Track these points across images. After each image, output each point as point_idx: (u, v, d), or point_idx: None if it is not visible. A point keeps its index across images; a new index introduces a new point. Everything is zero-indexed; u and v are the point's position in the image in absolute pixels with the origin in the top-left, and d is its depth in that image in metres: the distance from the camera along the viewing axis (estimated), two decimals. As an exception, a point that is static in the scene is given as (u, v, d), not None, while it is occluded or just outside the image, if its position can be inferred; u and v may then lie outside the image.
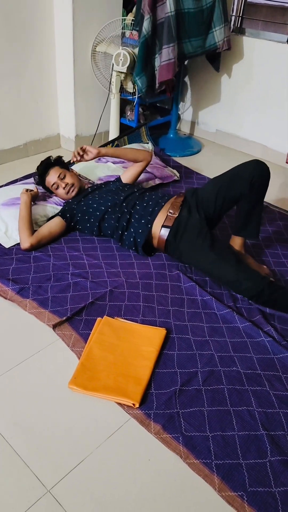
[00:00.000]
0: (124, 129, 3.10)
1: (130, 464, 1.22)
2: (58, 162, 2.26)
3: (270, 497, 1.15)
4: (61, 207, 2.24)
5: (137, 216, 1.96)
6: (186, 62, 3.30)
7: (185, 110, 3.57)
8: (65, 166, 2.27)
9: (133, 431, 1.29)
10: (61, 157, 2.30)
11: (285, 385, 1.46)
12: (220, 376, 1.47)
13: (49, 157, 2.27)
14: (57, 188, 2.17)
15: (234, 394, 1.41)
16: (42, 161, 2.25)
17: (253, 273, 1.75)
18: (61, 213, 2.11)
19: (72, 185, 2.16)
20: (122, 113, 3.22)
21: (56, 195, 2.26)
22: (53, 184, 2.16)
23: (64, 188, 2.15)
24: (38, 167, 2.24)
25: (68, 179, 2.16)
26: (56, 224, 2.07)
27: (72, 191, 2.16)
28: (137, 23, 2.60)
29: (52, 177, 2.16)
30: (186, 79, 3.44)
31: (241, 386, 1.44)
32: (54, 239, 2.07)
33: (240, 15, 3.06)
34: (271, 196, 2.72)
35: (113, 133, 3.10)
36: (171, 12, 2.42)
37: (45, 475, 1.18)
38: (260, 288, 1.70)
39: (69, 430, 1.29)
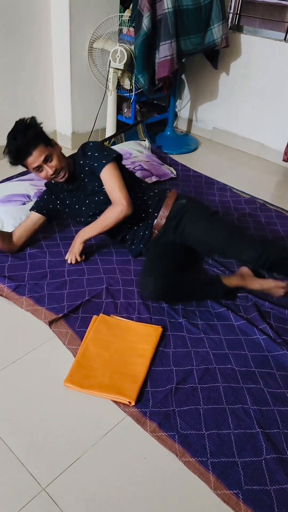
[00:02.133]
0: (121, 126, 3.09)
1: (126, 462, 1.22)
2: (38, 132, 1.69)
3: (265, 495, 1.15)
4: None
5: (134, 230, 1.88)
6: (183, 60, 3.29)
7: (182, 107, 3.56)
8: (48, 140, 1.74)
9: (128, 429, 1.29)
10: (35, 119, 1.75)
11: (280, 382, 1.46)
12: (215, 374, 1.47)
13: (23, 121, 1.70)
14: (39, 170, 1.74)
15: (230, 392, 1.41)
16: (15, 131, 1.67)
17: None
18: (38, 210, 1.93)
19: (61, 169, 1.75)
20: (119, 110, 3.20)
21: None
22: (36, 166, 1.72)
23: (52, 174, 1.75)
24: (10, 139, 1.68)
25: (55, 162, 1.72)
26: (36, 223, 1.94)
27: (62, 177, 1.78)
28: (133, 20, 2.59)
29: (35, 159, 1.69)
30: (183, 76, 3.43)
31: (236, 384, 1.44)
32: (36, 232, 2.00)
33: (238, 12, 3.05)
34: (268, 194, 2.72)
35: (110, 130, 3.08)
36: (168, 8, 2.41)
37: (40, 473, 1.17)
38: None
39: (64, 428, 1.29)
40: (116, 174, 1.75)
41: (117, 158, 1.80)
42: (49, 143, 1.74)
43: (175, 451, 1.24)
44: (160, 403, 1.36)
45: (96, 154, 1.77)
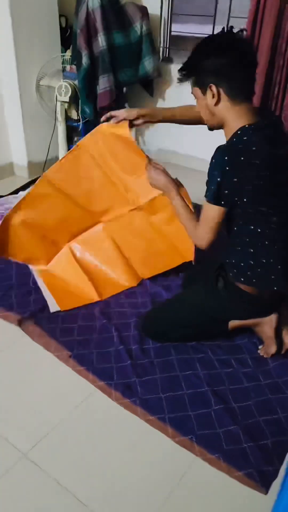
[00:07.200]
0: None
1: (99, 427, 1.40)
2: (198, 66, 1.34)
3: (215, 436, 1.36)
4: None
5: None
6: (124, 90, 3.63)
7: (129, 133, 3.88)
8: (203, 82, 1.35)
9: (98, 398, 1.49)
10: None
11: (224, 351, 1.69)
12: (169, 349, 1.69)
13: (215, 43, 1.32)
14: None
15: (182, 362, 1.63)
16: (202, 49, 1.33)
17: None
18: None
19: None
20: (71, 140, 3.48)
21: None
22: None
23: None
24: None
25: (198, 107, 1.46)
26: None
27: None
28: (74, 59, 2.91)
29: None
30: (126, 105, 3.77)
31: (187, 355, 1.66)
32: None
33: (167, 46, 3.44)
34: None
35: (63, 158, 3.34)
36: (103, 46, 2.75)
37: (19, 441, 1.34)
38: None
39: (39, 403, 1.47)
40: (211, 217, 1.41)
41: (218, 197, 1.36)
42: (201, 85, 1.37)
43: (137, 413, 1.43)
44: (123, 376, 1.56)
45: (208, 173, 1.40)
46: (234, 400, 1.49)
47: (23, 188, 2.90)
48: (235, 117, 1.36)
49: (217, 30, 3.09)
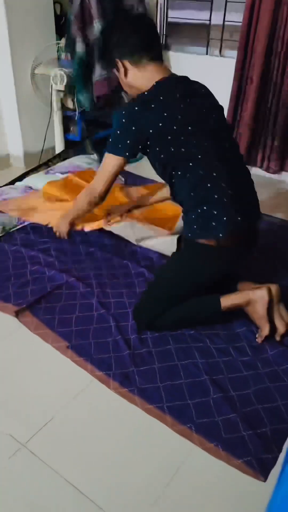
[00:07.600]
0: (70, 144, 3.33)
1: (97, 416, 1.40)
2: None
3: (214, 424, 1.36)
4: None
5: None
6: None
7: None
8: (110, 60, 1.54)
9: (96, 388, 1.48)
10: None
11: (223, 339, 1.69)
12: (167, 338, 1.68)
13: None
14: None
15: (180, 351, 1.62)
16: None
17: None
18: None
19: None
20: (68, 129, 3.44)
21: None
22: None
23: None
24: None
25: (121, 83, 1.59)
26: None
27: None
28: (68, 46, 2.86)
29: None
30: (123, 94, 3.72)
31: (185, 344, 1.66)
32: None
33: (164, 33, 3.39)
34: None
35: (59, 148, 3.31)
36: (99, 34, 2.70)
37: (18, 432, 1.33)
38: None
39: (37, 393, 1.46)
40: (105, 165, 1.57)
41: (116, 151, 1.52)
42: (112, 64, 1.54)
43: (136, 403, 1.43)
44: (121, 366, 1.55)
45: (112, 132, 1.53)
46: (233, 388, 1.49)
47: (20, 178, 2.87)
48: (147, 80, 1.46)
49: (214, 15, 3.09)
